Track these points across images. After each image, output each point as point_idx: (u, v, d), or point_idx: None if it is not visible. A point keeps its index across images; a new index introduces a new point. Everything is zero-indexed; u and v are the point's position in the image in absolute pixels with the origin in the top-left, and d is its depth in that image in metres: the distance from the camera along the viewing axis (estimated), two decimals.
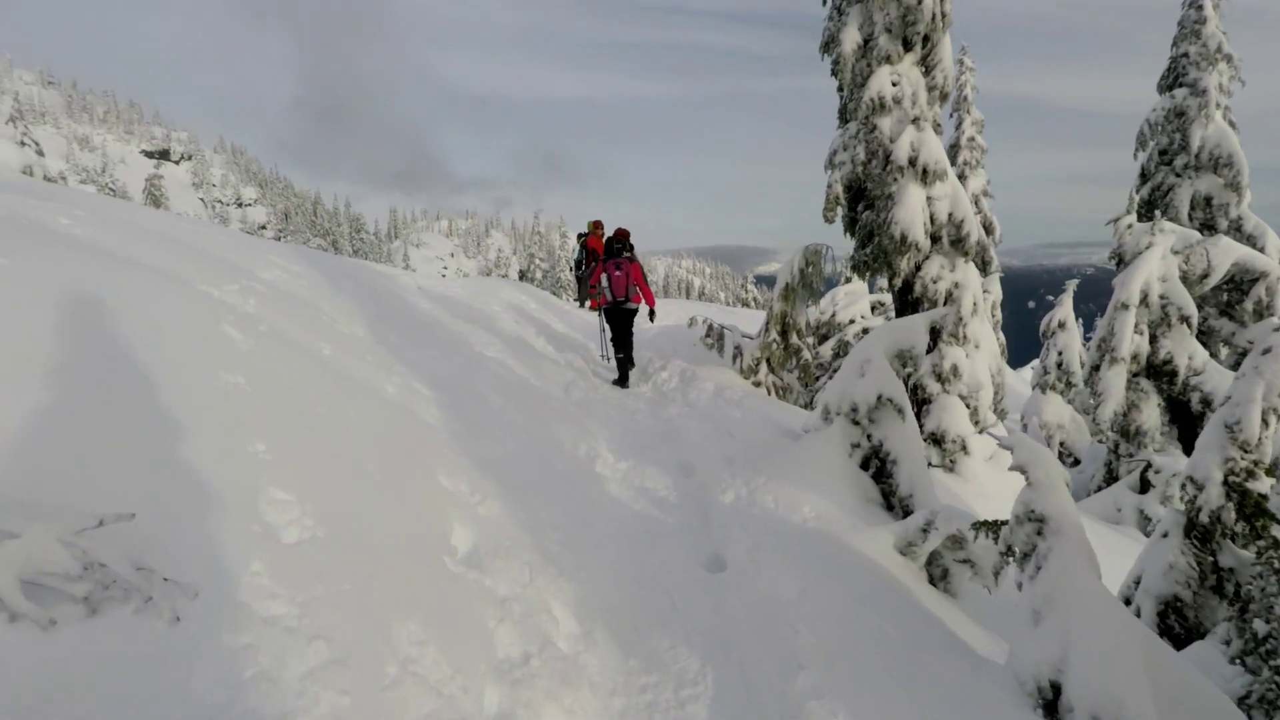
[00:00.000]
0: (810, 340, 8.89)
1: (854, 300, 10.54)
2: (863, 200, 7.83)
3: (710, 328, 9.21)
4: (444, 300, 9.45)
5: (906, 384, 6.17)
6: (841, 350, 9.84)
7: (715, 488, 5.24)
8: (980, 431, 7.63)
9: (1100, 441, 10.67)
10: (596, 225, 13.05)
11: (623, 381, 8.36)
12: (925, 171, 7.03)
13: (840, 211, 7.84)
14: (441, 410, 4.88)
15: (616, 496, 5.15)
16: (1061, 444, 12.83)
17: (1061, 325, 13.37)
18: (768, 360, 8.56)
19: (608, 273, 8.19)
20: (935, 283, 7.35)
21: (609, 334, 8.63)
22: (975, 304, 7.35)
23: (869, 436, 4.84)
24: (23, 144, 34.01)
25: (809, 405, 9.63)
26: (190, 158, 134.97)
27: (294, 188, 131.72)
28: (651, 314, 8.50)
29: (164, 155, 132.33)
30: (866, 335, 5.02)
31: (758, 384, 8.51)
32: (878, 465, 4.88)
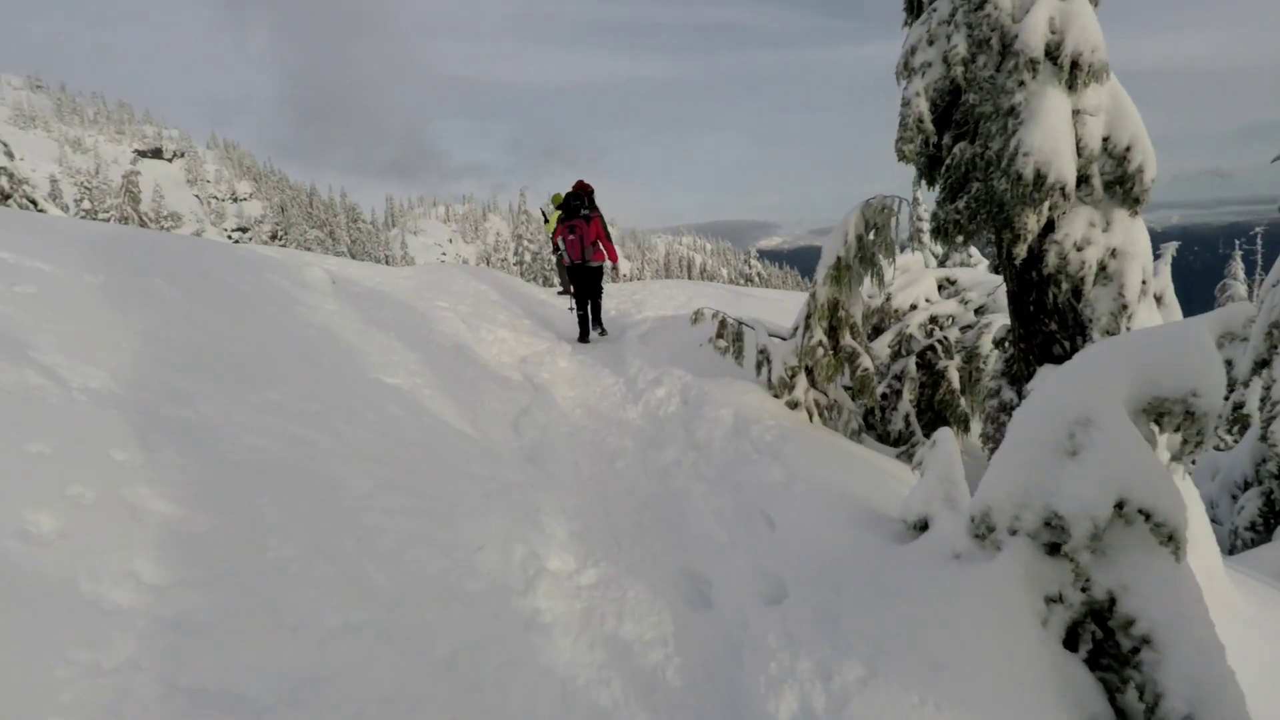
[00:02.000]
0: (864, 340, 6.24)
1: (914, 280, 7.88)
2: (951, 126, 5.12)
3: (723, 324, 6.55)
4: (363, 301, 6.83)
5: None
6: (904, 348, 7.19)
7: (757, 667, 2.63)
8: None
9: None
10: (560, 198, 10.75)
11: (584, 337, 8.28)
12: (1074, 67, 4.31)
13: (917, 144, 5.14)
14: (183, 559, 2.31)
15: (563, 683, 2.57)
16: None
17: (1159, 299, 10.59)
18: (808, 370, 5.91)
19: (563, 236, 8.05)
20: (1079, 250, 4.66)
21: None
22: (1144, 282, 4.66)
23: (1088, 583, 2.24)
24: None
25: (879, 434, 6.97)
26: (183, 155, 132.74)
27: (289, 180, 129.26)
28: (615, 270, 8.57)
29: (156, 154, 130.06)
30: (1072, 363, 2.37)
31: (794, 404, 5.88)
32: (1108, 644, 2.26)
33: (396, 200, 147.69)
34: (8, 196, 29.09)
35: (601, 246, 8.06)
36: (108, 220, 40.13)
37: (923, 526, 3.35)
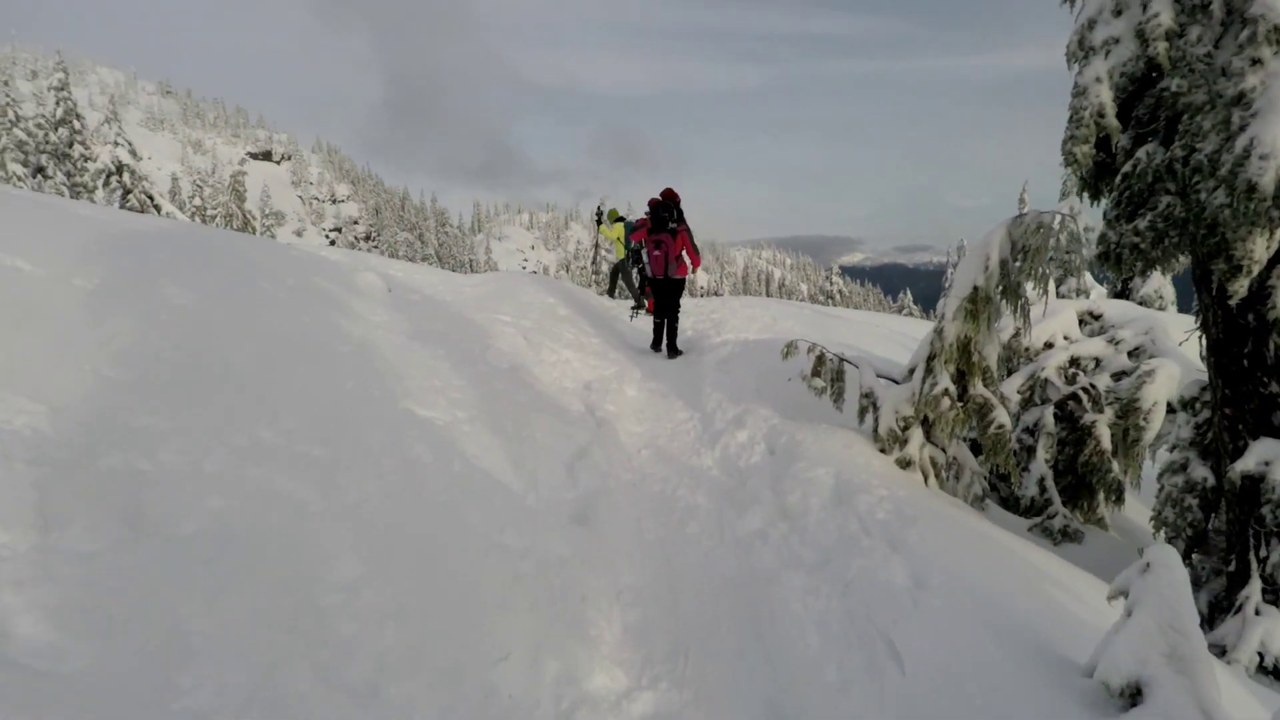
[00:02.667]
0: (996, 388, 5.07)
1: (1050, 312, 6.62)
2: (1130, 124, 3.99)
3: (821, 359, 5.53)
4: (417, 310, 6.23)
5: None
6: (1039, 395, 5.95)
7: None
8: None
9: None
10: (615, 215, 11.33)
11: (657, 345, 8.11)
12: None
13: (1092, 144, 4.03)
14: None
15: None
16: None
17: None
18: (925, 422, 4.83)
19: (647, 251, 7.76)
20: None
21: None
22: None
23: None
24: (116, 144, 33.74)
25: (1003, 498, 5.78)
26: (289, 158, 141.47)
27: (384, 184, 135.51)
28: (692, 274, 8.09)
29: (266, 156, 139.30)
30: None
31: (905, 463, 4.81)
32: None
33: (483, 206, 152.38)
34: (128, 192, 31.09)
35: (686, 259, 7.74)
36: (214, 217, 42.63)
37: (1133, 694, 2.29)
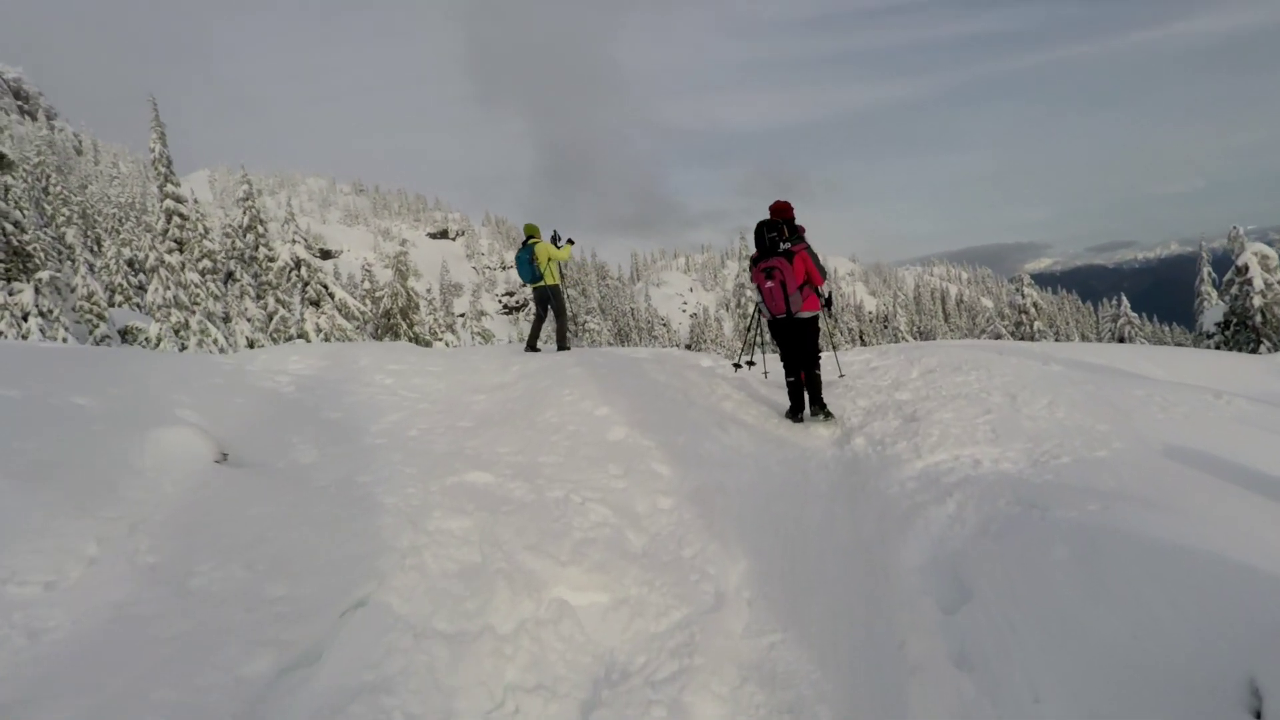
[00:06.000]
0: None
1: None
2: None
3: None
4: (425, 427, 3.05)
5: None
6: None
7: None
8: None
9: None
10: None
11: (796, 412, 6.08)
12: None
13: None
14: None
15: None
16: None
17: None
18: None
19: (758, 284, 5.92)
20: None
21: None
22: None
23: None
24: (294, 242, 36.55)
25: None
26: (463, 233, 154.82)
27: None
28: (829, 304, 6.18)
29: (443, 234, 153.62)
30: None
31: None
32: None
33: (640, 255, 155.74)
34: (306, 284, 32.91)
35: (815, 288, 5.97)
36: (381, 297, 44.98)
37: None
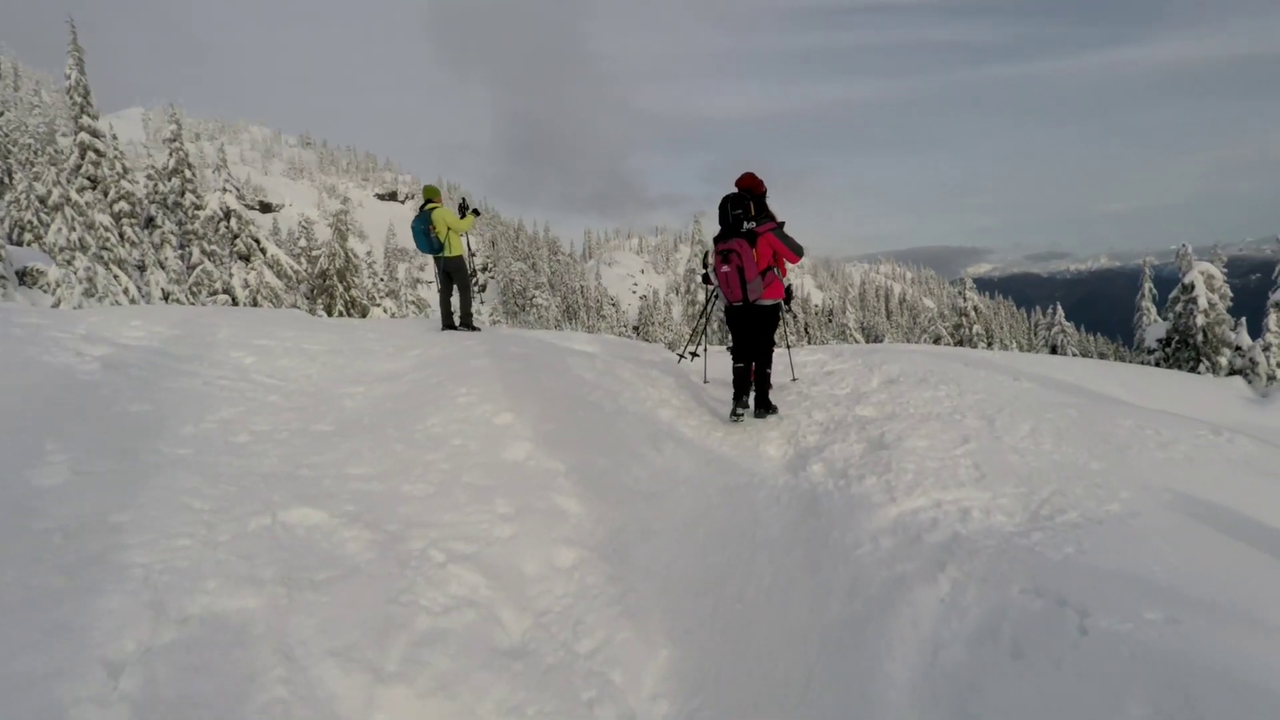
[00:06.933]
0: None
1: None
2: None
3: None
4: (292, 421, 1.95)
5: None
6: None
7: None
8: None
9: None
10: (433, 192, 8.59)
11: (737, 402, 5.37)
12: None
13: None
14: None
15: None
16: None
17: None
18: None
19: (714, 267, 5.34)
20: None
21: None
22: None
23: None
24: (224, 190, 33.72)
25: None
26: (413, 196, 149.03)
27: (500, 217, 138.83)
28: (788, 296, 5.39)
29: (392, 196, 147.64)
30: None
31: None
32: None
33: (594, 233, 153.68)
34: (235, 236, 30.29)
35: (778, 273, 5.23)
36: (318, 257, 42.38)
37: None
